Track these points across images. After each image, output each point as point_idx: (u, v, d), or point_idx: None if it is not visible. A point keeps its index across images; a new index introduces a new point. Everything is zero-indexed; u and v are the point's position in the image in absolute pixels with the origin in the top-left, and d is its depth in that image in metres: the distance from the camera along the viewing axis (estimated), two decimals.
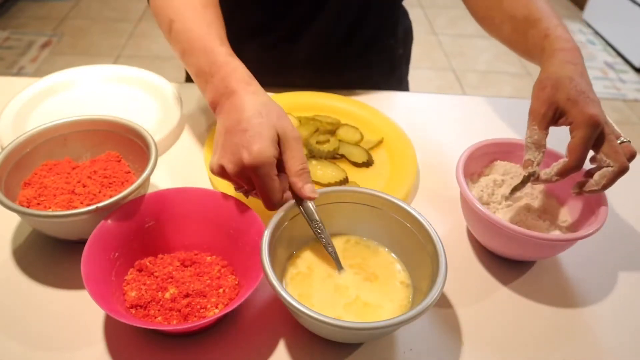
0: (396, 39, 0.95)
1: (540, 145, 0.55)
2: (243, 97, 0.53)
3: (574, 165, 0.53)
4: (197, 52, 0.59)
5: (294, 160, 0.51)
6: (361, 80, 0.91)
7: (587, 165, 0.56)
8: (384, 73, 0.96)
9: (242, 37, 0.86)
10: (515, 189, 0.58)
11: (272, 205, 0.51)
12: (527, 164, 0.55)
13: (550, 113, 0.54)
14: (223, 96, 0.54)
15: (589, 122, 0.52)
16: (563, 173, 0.54)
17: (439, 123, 0.84)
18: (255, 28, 0.86)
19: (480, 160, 0.65)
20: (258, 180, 0.50)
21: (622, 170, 0.53)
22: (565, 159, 0.53)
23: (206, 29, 0.60)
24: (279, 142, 0.51)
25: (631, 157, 0.54)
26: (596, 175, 0.54)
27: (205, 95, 0.58)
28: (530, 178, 0.55)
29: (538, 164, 0.55)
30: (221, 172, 0.52)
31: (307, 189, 0.51)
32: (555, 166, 0.54)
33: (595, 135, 0.53)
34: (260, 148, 0.48)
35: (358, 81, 0.91)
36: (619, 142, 0.54)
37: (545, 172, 0.55)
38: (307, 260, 0.55)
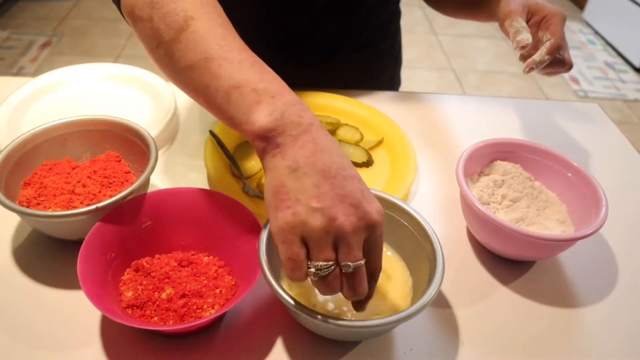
0: (385, 40, 0.94)
1: (528, 29, 0.65)
2: (325, 135, 0.44)
3: (560, 42, 0.64)
4: (242, 62, 0.46)
5: None
6: (349, 80, 0.90)
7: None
8: (372, 74, 0.95)
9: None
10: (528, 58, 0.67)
11: (374, 280, 0.44)
12: (522, 42, 0.63)
13: (525, 12, 0.66)
14: (295, 126, 0.43)
15: (561, 11, 0.66)
16: (552, 51, 0.64)
17: (439, 123, 0.84)
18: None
19: (480, 160, 0.65)
20: (375, 242, 0.42)
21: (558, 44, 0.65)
22: (551, 40, 0.64)
23: (234, 36, 0.49)
24: None
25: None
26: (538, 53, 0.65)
27: (251, 117, 0.44)
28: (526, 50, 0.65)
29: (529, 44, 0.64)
30: (324, 225, 0.40)
31: None
32: (544, 48, 0.64)
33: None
34: (380, 205, 0.43)
35: (346, 82, 0.90)
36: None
37: (538, 54, 0.65)
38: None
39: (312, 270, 0.41)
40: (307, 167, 0.41)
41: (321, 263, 0.41)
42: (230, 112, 0.45)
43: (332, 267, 0.41)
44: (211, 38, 0.47)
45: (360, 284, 0.42)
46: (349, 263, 0.41)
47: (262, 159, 0.44)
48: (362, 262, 0.42)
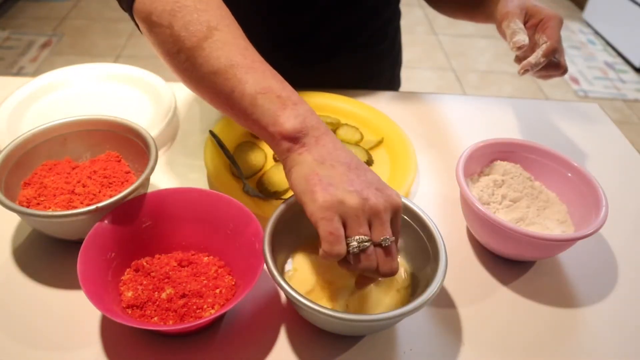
0: (385, 40, 0.94)
1: (525, 31, 0.65)
2: (337, 139, 0.49)
3: (556, 46, 0.64)
4: (265, 72, 0.50)
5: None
6: (349, 80, 0.90)
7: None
8: (372, 74, 0.95)
9: None
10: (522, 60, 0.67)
11: (395, 261, 0.46)
12: (518, 43, 0.64)
13: (522, 14, 0.67)
14: (315, 129, 0.48)
15: (558, 14, 0.66)
16: (548, 53, 0.64)
17: (439, 123, 0.84)
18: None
19: (480, 160, 0.65)
20: (397, 224, 0.47)
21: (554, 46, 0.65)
22: (547, 43, 0.64)
23: (253, 48, 0.53)
24: None
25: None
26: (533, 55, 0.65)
27: (278, 119, 0.48)
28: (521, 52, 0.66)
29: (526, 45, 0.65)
30: (360, 204, 0.44)
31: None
32: (540, 51, 0.64)
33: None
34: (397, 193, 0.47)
35: (346, 82, 0.90)
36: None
37: (533, 57, 0.64)
38: (307, 257, 0.55)
39: (355, 243, 0.44)
40: (332, 161, 0.46)
41: (361, 237, 0.44)
42: (256, 115, 0.49)
43: (370, 242, 0.44)
44: (235, 48, 0.51)
45: (395, 258, 0.46)
46: (387, 237, 0.45)
47: (285, 157, 0.48)
48: (394, 238, 0.46)
